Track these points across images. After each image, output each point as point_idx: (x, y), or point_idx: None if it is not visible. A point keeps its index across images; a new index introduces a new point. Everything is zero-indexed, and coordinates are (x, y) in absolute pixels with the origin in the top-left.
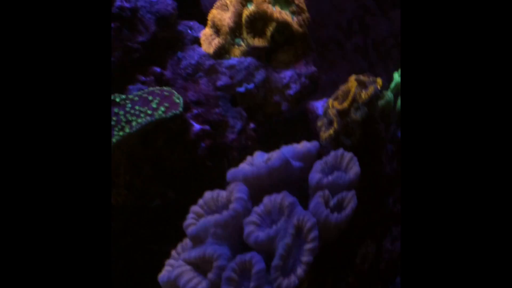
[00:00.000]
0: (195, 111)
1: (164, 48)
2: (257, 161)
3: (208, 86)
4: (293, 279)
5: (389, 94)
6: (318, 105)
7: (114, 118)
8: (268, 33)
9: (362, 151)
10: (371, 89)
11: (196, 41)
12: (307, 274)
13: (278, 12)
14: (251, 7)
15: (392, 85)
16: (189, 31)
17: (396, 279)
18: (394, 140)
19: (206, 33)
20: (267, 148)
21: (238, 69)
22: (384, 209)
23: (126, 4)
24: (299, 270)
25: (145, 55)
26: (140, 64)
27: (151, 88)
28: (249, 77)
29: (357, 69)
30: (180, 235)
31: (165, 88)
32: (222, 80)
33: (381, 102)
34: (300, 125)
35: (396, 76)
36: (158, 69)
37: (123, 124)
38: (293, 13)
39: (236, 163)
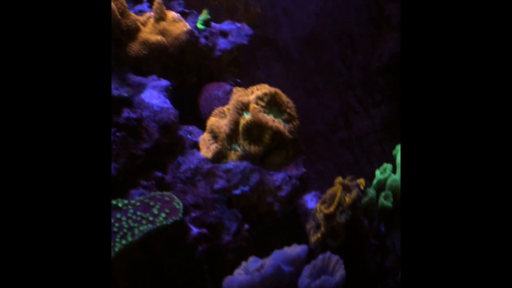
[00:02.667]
0: (193, 214)
1: (165, 153)
2: (251, 268)
3: (206, 189)
4: None
5: (371, 192)
6: (307, 198)
7: (116, 224)
8: (265, 141)
9: (347, 250)
10: (354, 193)
11: (195, 145)
12: None
13: (272, 121)
14: (247, 116)
15: (374, 182)
16: (188, 136)
17: None
18: (377, 235)
19: (204, 138)
20: (261, 248)
21: (235, 172)
22: None
23: (133, 115)
24: None
25: (147, 160)
26: (142, 170)
27: (152, 193)
28: (245, 180)
29: (342, 161)
30: None
31: (165, 193)
32: (219, 184)
33: (364, 200)
34: (291, 220)
35: (378, 173)
36: (159, 174)
37: (125, 230)
38: (285, 120)
39: (231, 266)
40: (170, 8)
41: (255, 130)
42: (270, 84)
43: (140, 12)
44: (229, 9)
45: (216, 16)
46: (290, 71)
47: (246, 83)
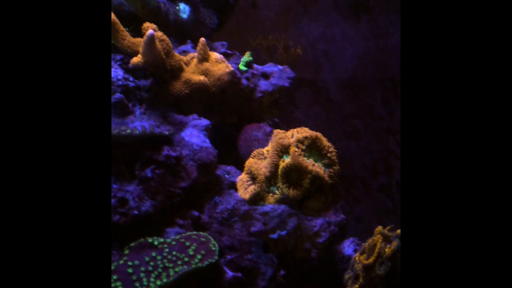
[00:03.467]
0: (228, 256)
1: (202, 192)
2: None
3: (242, 231)
4: None
5: None
6: (345, 245)
7: (151, 263)
8: (304, 185)
9: None
10: (394, 244)
11: (233, 186)
12: None
13: (312, 165)
14: (287, 159)
15: None
16: (226, 175)
17: None
18: None
19: (242, 178)
20: None
21: (272, 216)
22: None
23: (172, 153)
24: None
25: (185, 199)
26: (179, 208)
27: (188, 233)
28: (282, 224)
29: (381, 207)
30: None
31: (202, 233)
32: (256, 226)
33: None
34: (328, 267)
35: None
36: (196, 213)
37: (160, 270)
38: (325, 165)
39: None
40: (213, 49)
41: (294, 173)
42: (308, 125)
43: (184, 52)
44: (268, 49)
45: (255, 56)
46: (330, 113)
47: (284, 122)
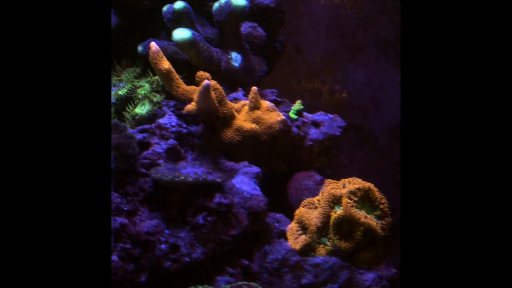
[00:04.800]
0: None
1: (252, 240)
2: None
3: (293, 283)
4: None
5: None
6: None
7: None
8: (356, 238)
9: None
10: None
11: (283, 234)
12: None
13: (364, 217)
14: (339, 210)
15: None
16: (276, 224)
17: None
18: None
19: (292, 228)
20: None
21: (323, 268)
22: None
23: (224, 201)
24: None
25: (235, 247)
26: (229, 256)
27: (239, 282)
28: (333, 277)
29: None
30: None
31: (252, 283)
32: (307, 279)
33: None
34: None
35: None
36: (246, 262)
37: None
38: (377, 217)
39: None
40: (263, 96)
41: (346, 225)
42: (353, 170)
43: (235, 100)
44: (313, 93)
45: (299, 99)
46: (376, 159)
47: (329, 167)
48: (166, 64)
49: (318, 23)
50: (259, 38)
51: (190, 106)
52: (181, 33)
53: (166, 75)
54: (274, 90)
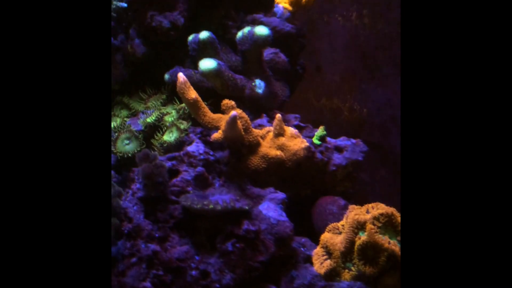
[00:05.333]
0: None
1: (279, 265)
2: None
3: None
4: None
5: None
6: None
7: None
8: (380, 263)
9: None
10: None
11: (309, 259)
12: None
13: (388, 242)
14: (363, 236)
15: None
16: (302, 248)
17: None
18: None
19: (318, 252)
20: None
21: None
22: None
23: (252, 227)
24: None
25: (263, 272)
26: (257, 281)
27: None
28: None
29: None
30: None
31: None
32: None
33: None
34: None
35: None
36: (273, 287)
37: None
38: (399, 242)
39: None
40: (286, 121)
41: (370, 251)
42: (374, 188)
43: (260, 126)
44: (333, 111)
45: (319, 116)
46: (397, 177)
47: (352, 190)
48: (193, 94)
49: (337, 43)
50: (281, 64)
51: (217, 135)
52: (207, 64)
53: (193, 104)
54: (297, 115)
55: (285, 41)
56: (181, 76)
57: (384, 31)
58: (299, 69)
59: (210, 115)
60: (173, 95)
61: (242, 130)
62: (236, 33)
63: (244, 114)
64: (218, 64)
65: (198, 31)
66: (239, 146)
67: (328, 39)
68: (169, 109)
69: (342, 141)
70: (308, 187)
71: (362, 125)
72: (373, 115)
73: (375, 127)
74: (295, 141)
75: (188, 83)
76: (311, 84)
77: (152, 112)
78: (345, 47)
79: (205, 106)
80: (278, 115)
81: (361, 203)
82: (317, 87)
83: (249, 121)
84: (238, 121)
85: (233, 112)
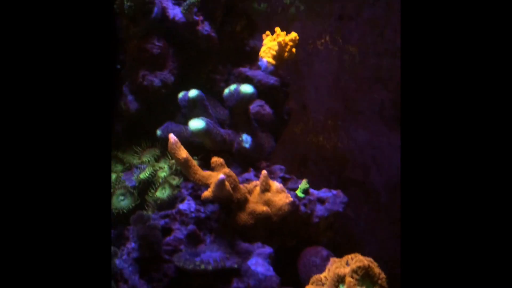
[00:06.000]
0: None
1: None
2: None
3: None
4: None
5: None
6: None
7: None
8: None
9: None
10: None
11: None
12: None
13: None
14: None
15: None
16: None
17: None
18: None
19: None
20: None
21: None
22: None
23: (241, 285)
24: None
25: None
26: None
27: None
28: None
29: None
30: None
31: None
32: None
33: None
34: None
35: None
36: None
37: None
38: None
39: None
40: (272, 173)
41: None
42: (358, 224)
43: (247, 180)
44: (318, 147)
45: (305, 152)
46: (379, 214)
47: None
48: (183, 154)
49: (320, 84)
50: (266, 117)
51: (207, 193)
52: (196, 124)
53: (184, 163)
54: (282, 167)
55: (270, 93)
56: (172, 137)
57: (362, 77)
58: (285, 115)
59: (200, 173)
60: (165, 149)
61: (230, 189)
62: (223, 87)
63: (232, 173)
64: (207, 124)
65: (187, 86)
66: (229, 202)
67: (311, 80)
68: (162, 163)
69: (324, 192)
70: (294, 239)
71: (345, 163)
72: (355, 154)
73: (357, 166)
74: (280, 196)
75: (179, 143)
76: (297, 120)
77: (146, 167)
78: (328, 89)
79: (195, 164)
80: (264, 172)
81: (347, 239)
82: (303, 124)
83: (237, 180)
84: (226, 182)
85: (221, 176)
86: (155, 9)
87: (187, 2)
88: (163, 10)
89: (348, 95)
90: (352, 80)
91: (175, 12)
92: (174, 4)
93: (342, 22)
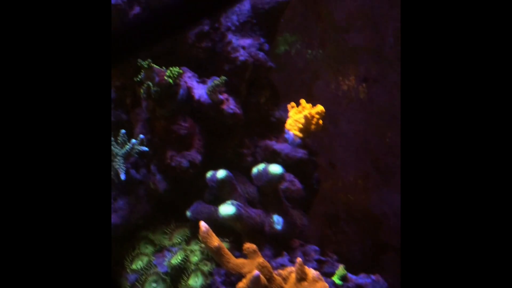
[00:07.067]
0: None
1: None
2: None
3: None
4: None
5: None
6: None
7: None
8: None
9: None
10: None
11: None
12: None
13: None
14: None
15: None
16: None
17: None
18: None
19: None
20: None
21: None
22: None
23: None
24: None
25: None
26: None
27: None
28: None
29: None
30: None
31: None
32: None
33: None
34: None
35: None
36: None
37: None
38: None
39: None
40: (307, 254)
41: None
42: None
43: (282, 266)
44: (348, 207)
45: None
46: None
47: None
48: (215, 242)
49: (348, 144)
50: (296, 193)
51: (242, 284)
52: (226, 210)
53: (217, 252)
54: (317, 248)
55: (298, 166)
56: (203, 225)
57: (392, 139)
58: (315, 185)
59: (234, 262)
60: (195, 230)
61: (265, 281)
62: (250, 161)
63: (266, 263)
64: (237, 209)
65: (214, 163)
66: None
67: (338, 140)
68: (193, 246)
69: (362, 278)
70: None
71: (379, 227)
72: (389, 218)
73: (393, 231)
74: (318, 286)
75: (210, 231)
76: (327, 180)
77: (177, 250)
78: (355, 149)
79: (228, 252)
80: (299, 260)
81: None
82: (332, 182)
83: (271, 270)
84: (262, 277)
85: (255, 273)
86: (181, 91)
87: (212, 84)
88: (188, 90)
89: (379, 156)
90: (382, 142)
91: (200, 93)
92: (198, 82)
93: (367, 84)
